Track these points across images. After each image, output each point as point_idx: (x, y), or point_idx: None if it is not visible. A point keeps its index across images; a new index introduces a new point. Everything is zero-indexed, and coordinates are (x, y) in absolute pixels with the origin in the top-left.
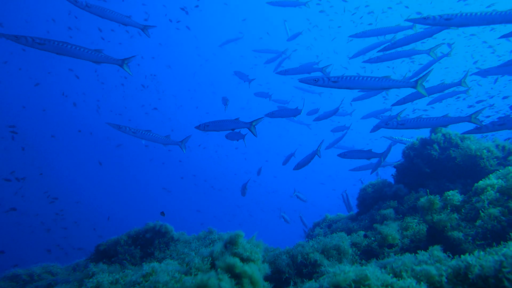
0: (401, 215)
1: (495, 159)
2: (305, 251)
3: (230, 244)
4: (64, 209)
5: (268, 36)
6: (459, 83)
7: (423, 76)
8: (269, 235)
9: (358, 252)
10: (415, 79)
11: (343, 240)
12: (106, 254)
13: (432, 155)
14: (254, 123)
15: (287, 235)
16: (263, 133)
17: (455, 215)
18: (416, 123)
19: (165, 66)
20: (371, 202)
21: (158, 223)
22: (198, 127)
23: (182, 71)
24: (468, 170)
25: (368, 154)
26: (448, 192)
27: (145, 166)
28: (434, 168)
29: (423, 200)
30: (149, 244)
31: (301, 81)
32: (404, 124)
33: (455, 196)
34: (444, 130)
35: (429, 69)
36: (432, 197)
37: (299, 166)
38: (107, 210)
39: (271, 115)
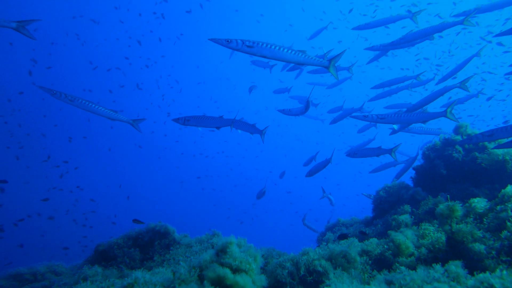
0: (417, 221)
1: None
2: (310, 258)
3: (222, 252)
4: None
5: (292, 27)
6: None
7: (337, 56)
8: (282, 238)
9: (369, 261)
10: (329, 58)
11: (351, 248)
12: (106, 256)
13: (455, 157)
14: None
15: (301, 238)
16: (279, 133)
17: (477, 226)
18: (396, 119)
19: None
20: (386, 206)
21: (159, 224)
22: (176, 120)
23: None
24: (495, 174)
25: (378, 151)
26: (473, 199)
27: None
28: (456, 171)
29: (442, 206)
30: (149, 246)
31: (212, 40)
32: (384, 119)
33: (479, 203)
34: (469, 129)
35: (343, 50)
36: (452, 203)
37: (311, 173)
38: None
39: (286, 112)
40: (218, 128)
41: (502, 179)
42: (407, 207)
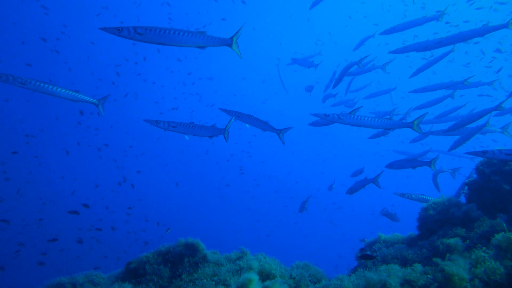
0: (471, 245)
1: None
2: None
3: None
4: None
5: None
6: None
7: (238, 32)
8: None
9: None
10: (231, 36)
11: (392, 277)
12: (136, 273)
13: None
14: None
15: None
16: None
17: None
18: (356, 121)
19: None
20: (434, 226)
21: (189, 240)
22: (152, 123)
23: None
24: None
25: (415, 163)
26: None
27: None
28: None
29: (499, 237)
30: (178, 263)
31: (103, 29)
32: (343, 120)
33: None
34: None
35: (243, 24)
36: (510, 235)
37: (351, 191)
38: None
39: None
40: (210, 137)
41: None
42: (459, 230)
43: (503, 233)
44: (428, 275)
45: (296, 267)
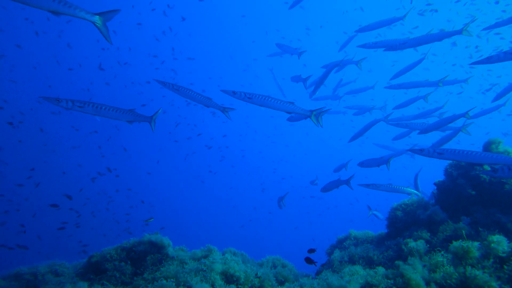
0: (433, 248)
1: None
2: None
3: None
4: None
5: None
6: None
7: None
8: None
9: None
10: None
11: (352, 283)
12: (98, 268)
13: (482, 177)
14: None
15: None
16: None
17: (495, 275)
18: (261, 101)
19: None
20: (402, 226)
21: (154, 236)
22: (52, 101)
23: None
24: None
25: (378, 162)
26: (492, 237)
27: None
28: (483, 193)
29: (456, 244)
30: (141, 259)
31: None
32: (250, 99)
33: (500, 244)
34: (502, 147)
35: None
36: (467, 244)
37: (325, 190)
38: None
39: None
40: (130, 122)
41: None
42: (424, 233)
43: (460, 240)
44: (389, 280)
45: (266, 262)
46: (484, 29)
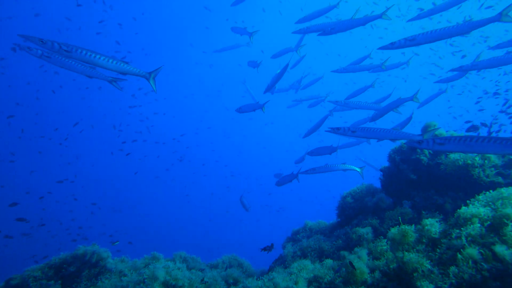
0: (381, 236)
1: (492, 169)
2: None
3: None
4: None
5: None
6: (411, 99)
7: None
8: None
9: None
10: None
11: (300, 280)
12: None
13: (422, 161)
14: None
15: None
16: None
17: (428, 256)
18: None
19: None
20: (351, 213)
21: (90, 249)
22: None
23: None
24: (460, 180)
25: (327, 150)
26: (426, 221)
27: None
28: (421, 176)
29: (394, 231)
30: (75, 276)
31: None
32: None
33: (433, 226)
34: (438, 130)
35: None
36: (404, 228)
37: (279, 184)
38: None
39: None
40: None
41: (468, 186)
42: (373, 220)
43: (397, 226)
44: (336, 274)
45: (222, 262)
46: (408, 20)
